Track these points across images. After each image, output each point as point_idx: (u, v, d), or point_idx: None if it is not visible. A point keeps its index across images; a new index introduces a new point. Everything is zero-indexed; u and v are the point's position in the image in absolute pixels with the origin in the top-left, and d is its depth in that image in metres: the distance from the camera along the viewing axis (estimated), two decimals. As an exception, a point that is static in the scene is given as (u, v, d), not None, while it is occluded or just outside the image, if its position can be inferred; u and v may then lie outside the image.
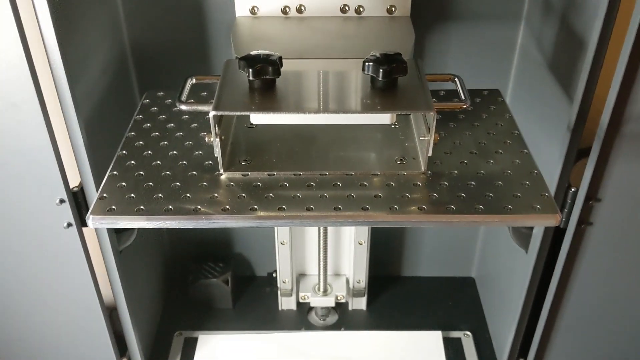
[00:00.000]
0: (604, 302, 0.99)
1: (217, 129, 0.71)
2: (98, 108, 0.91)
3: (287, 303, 1.33)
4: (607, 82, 0.80)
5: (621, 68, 0.74)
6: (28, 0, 0.71)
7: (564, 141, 0.84)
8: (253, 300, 1.36)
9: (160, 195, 0.71)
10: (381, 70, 0.71)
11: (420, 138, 0.75)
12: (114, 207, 0.69)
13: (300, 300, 1.30)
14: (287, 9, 0.92)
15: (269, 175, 0.75)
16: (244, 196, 0.71)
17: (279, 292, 1.30)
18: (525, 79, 1.09)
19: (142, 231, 1.10)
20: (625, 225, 0.90)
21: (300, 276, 1.32)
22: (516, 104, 1.09)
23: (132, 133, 0.82)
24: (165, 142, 0.81)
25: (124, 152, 0.79)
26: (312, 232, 1.23)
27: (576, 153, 0.87)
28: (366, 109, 0.70)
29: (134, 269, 1.13)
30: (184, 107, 0.73)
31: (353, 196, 0.71)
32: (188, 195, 0.71)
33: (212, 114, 0.69)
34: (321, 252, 1.22)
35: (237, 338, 1.25)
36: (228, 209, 0.69)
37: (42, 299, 0.98)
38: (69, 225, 0.86)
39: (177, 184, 0.73)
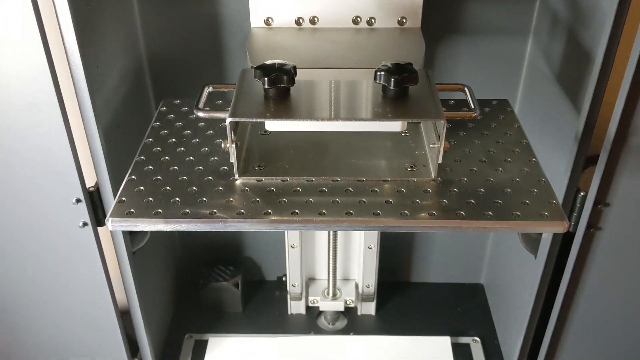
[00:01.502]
0: (613, 308, 1.00)
1: (233, 135, 0.73)
2: (115, 113, 0.93)
3: (296, 307, 1.35)
4: (615, 92, 0.82)
5: (628, 79, 0.76)
6: (51, 8, 0.74)
7: (573, 148, 0.86)
8: (263, 304, 1.37)
9: (177, 199, 0.73)
10: (392, 79, 0.73)
11: (431, 145, 0.77)
12: (132, 210, 0.71)
13: (310, 305, 1.31)
14: (301, 20, 0.94)
15: (282, 180, 0.77)
16: (258, 201, 0.73)
17: (288, 296, 1.32)
18: (534, 91, 1.10)
19: (154, 234, 1.13)
20: (634, 230, 0.91)
21: (310, 280, 1.33)
22: (525, 115, 1.10)
23: (150, 139, 0.85)
24: (182, 149, 0.83)
25: (142, 157, 0.81)
26: (322, 237, 1.25)
27: (585, 160, 0.89)
28: (377, 116, 0.72)
29: (146, 271, 1.16)
30: (201, 114, 0.75)
31: (364, 202, 0.73)
32: (204, 199, 0.73)
33: (228, 120, 0.72)
34: (331, 257, 1.24)
35: (246, 341, 1.27)
36: (243, 212, 0.71)
37: (56, 298, 1.00)
38: (85, 224, 0.88)
39: (194, 188, 0.75)
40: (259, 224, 0.70)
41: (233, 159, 0.75)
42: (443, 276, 1.45)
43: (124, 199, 0.73)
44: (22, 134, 0.81)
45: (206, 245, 1.38)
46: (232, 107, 0.73)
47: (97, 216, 0.89)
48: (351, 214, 0.71)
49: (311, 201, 0.73)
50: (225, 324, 1.33)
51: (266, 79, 0.73)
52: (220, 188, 0.75)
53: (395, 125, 0.74)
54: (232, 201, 0.73)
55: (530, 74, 1.11)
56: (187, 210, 0.71)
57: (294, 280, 1.28)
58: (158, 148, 0.83)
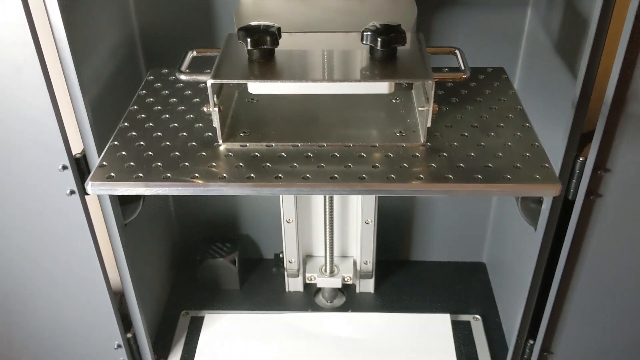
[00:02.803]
0: (615, 280, 0.98)
1: (215, 98, 0.72)
2: (104, 82, 0.91)
3: (294, 284, 1.33)
4: (611, 57, 0.79)
5: (624, 43, 0.74)
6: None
7: (570, 113, 0.83)
8: (260, 282, 1.36)
9: (159, 164, 0.71)
10: (379, 39, 0.71)
11: (419, 109, 0.75)
12: (113, 174, 0.69)
13: (307, 281, 1.30)
14: (291, -12, 0.92)
15: (267, 146, 0.75)
16: (241, 165, 0.71)
17: (285, 273, 1.30)
18: (534, 62, 1.08)
19: (148, 207, 1.12)
20: (635, 197, 0.89)
21: (308, 257, 1.32)
22: (525, 86, 1.08)
23: (135, 107, 0.83)
24: (167, 116, 0.81)
25: (126, 124, 0.80)
26: (318, 212, 1.23)
27: (583, 125, 0.86)
28: (364, 77, 0.70)
29: (140, 246, 1.15)
30: (183, 77, 0.74)
31: (350, 166, 0.71)
32: (187, 164, 0.71)
33: (209, 82, 0.70)
34: (327, 232, 1.22)
35: (242, 318, 1.26)
36: (225, 177, 0.69)
37: (45, 270, 0.99)
38: (72, 192, 0.87)
39: (177, 153, 0.73)
40: (240, 187, 0.69)
41: (216, 123, 0.73)
42: (444, 255, 1.43)
43: (105, 163, 0.72)
44: (6, 99, 0.79)
45: (203, 222, 1.37)
46: (215, 69, 0.71)
47: (85, 184, 0.87)
48: (336, 178, 0.69)
49: (296, 166, 0.71)
50: (222, 301, 1.32)
51: (249, 39, 0.71)
52: (204, 153, 0.74)
53: (382, 87, 0.72)
54: (214, 166, 0.71)
55: (529, 45, 1.08)
56: (169, 174, 0.69)
57: (290, 257, 1.27)
58: (143, 115, 0.81)
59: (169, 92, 0.87)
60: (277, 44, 0.72)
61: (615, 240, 0.94)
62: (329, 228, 1.22)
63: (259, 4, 0.92)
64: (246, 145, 0.75)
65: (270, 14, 0.89)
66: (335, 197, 1.20)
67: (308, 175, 0.70)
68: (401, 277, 1.40)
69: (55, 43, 0.77)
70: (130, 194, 0.70)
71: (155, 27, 1.09)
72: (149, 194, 0.68)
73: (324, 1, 0.91)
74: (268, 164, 0.72)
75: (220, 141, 0.75)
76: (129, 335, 1.11)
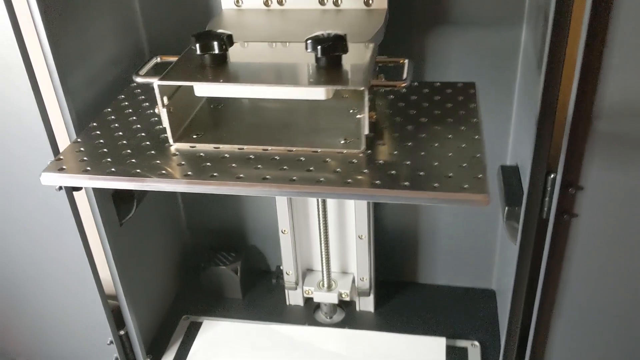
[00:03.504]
0: (597, 302, 0.93)
1: (165, 100, 0.76)
2: (101, 90, 0.98)
3: (294, 298, 1.35)
4: (571, 72, 0.78)
5: (579, 57, 0.73)
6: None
7: (533, 129, 0.82)
8: (263, 293, 1.39)
9: (109, 159, 0.76)
10: (319, 47, 0.73)
11: (357, 116, 0.76)
12: (64, 167, 0.75)
13: (305, 295, 1.31)
14: (270, 2, 0.96)
15: (214, 148, 0.79)
16: (183, 164, 0.75)
17: (285, 285, 1.32)
18: (530, 78, 1.06)
19: (150, 209, 1.18)
20: (613, 218, 0.85)
21: (308, 271, 1.33)
22: (522, 103, 1.06)
23: (109, 109, 0.89)
24: (134, 117, 0.87)
25: (95, 124, 0.86)
26: (314, 225, 1.24)
27: (549, 141, 0.84)
28: (299, 83, 0.72)
29: (142, 248, 1.21)
30: (138, 80, 0.79)
31: (285, 169, 0.73)
32: (134, 160, 0.76)
33: (156, 84, 0.75)
34: (322, 245, 1.23)
35: (238, 327, 1.29)
36: (164, 173, 0.73)
37: (37, 263, 1.06)
38: (60, 188, 0.93)
39: (128, 151, 0.78)
40: (176, 184, 0.72)
41: (165, 123, 0.78)
42: (451, 279, 1.40)
43: (61, 157, 0.78)
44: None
45: (213, 231, 1.42)
46: (165, 73, 0.76)
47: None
48: (267, 179, 0.71)
49: (234, 166, 0.74)
50: (223, 309, 1.35)
51: (198, 44, 0.75)
52: (153, 152, 0.78)
53: (319, 93, 0.74)
54: (159, 163, 0.76)
55: (525, 63, 1.07)
56: (113, 169, 0.74)
57: (287, 268, 1.29)
58: (113, 117, 0.87)
59: (145, 97, 0.92)
60: (224, 49, 0.76)
61: (595, 262, 0.90)
62: (323, 241, 1.23)
63: (238, 16, 0.96)
64: (195, 147, 0.79)
65: (249, 25, 0.93)
66: (330, 211, 1.21)
67: (242, 175, 0.72)
68: (404, 299, 1.38)
69: (42, 51, 0.85)
70: (75, 185, 0.75)
71: (164, 37, 1.15)
72: (93, 186, 0.73)
73: (301, 14, 0.95)
74: (208, 164, 0.75)
75: (172, 141, 0.79)
76: (122, 332, 1.16)
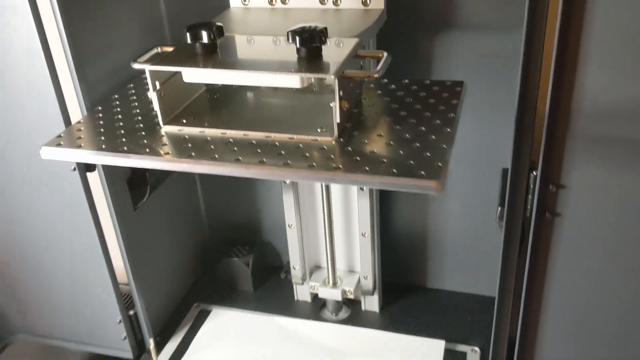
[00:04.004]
0: (584, 303, 0.93)
1: (157, 85, 0.83)
2: (121, 81, 1.06)
3: (302, 294, 1.38)
4: (547, 70, 0.79)
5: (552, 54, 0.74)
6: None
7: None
8: (273, 287, 1.43)
9: (102, 138, 0.83)
10: (298, 38, 0.78)
11: (330, 104, 0.79)
12: (62, 143, 0.83)
13: (311, 291, 1.35)
14: (274, 1, 1.02)
15: (200, 132, 0.84)
16: (166, 144, 0.81)
17: (292, 280, 1.36)
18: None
19: (162, 194, 1.24)
20: (597, 217, 0.85)
21: (316, 267, 1.37)
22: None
23: (116, 95, 0.97)
24: (136, 103, 0.94)
25: (99, 107, 0.93)
26: (321, 221, 1.28)
27: (528, 138, 0.85)
28: (276, 70, 0.77)
29: (157, 235, 1.28)
30: (136, 66, 0.85)
31: (259, 152, 0.78)
32: (123, 139, 0.83)
33: (147, 69, 0.81)
34: (327, 241, 1.27)
35: (245, 316, 1.33)
36: (147, 152, 0.79)
37: (51, 245, 1.14)
38: (74, 169, 1.01)
39: (122, 132, 0.85)
40: (153, 160, 0.78)
41: (156, 107, 0.84)
42: (461, 285, 1.40)
43: (62, 135, 0.85)
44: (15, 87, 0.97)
45: (230, 224, 1.48)
46: (158, 60, 0.82)
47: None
48: (239, 160, 0.76)
49: (212, 148, 0.80)
50: (234, 299, 1.40)
51: (188, 34, 0.81)
52: (143, 133, 0.84)
53: (294, 81, 0.78)
54: (145, 142, 0.82)
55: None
56: (104, 146, 0.81)
57: (294, 263, 1.32)
58: (117, 102, 0.95)
59: (150, 87, 0.99)
60: (213, 39, 0.81)
61: (580, 262, 0.90)
62: (328, 238, 1.26)
63: (245, 13, 1.02)
64: (182, 130, 0.85)
65: (252, 21, 0.99)
66: (336, 207, 1.25)
67: (216, 156, 0.77)
68: (411, 302, 1.39)
69: (62, 46, 0.94)
70: (68, 160, 0.82)
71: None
72: (82, 161, 0.80)
73: (302, 12, 1.00)
74: (189, 145, 0.81)
75: (162, 124, 0.85)
76: (131, 312, 1.23)
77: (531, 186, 0.87)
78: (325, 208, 1.23)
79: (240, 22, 0.98)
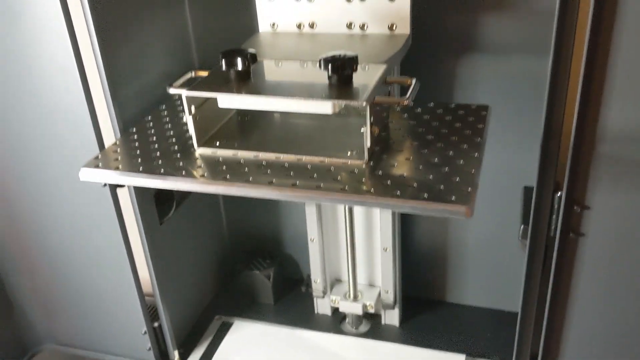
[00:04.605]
0: (606, 324, 0.95)
1: (192, 109, 0.86)
2: (151, 101, 1.09)
3: (322, 307, 1.41)
4: (574, 92, 0.81)
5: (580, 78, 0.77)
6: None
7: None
8: (293, 300, 1.45)
9: (139, 160, 0.86)
10: (330, 66, 0.81)
11: (361, 130, 0.82)
12: (100, 164, 0.86)
13: (332, 305, 1.37)
14: (302, 26, 1.05)
15: (233, 154, 0.87)
16: (201, 166, 0.84)
17: (313, 293, 1.38)
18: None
19: (186, 208, 1.27)
20: (621, 238, 0.87)
21: (336, 281, 1.39)
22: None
23: (149, 117, 1.00)
24: (169, 125, 0.97)
25: (134, 129, 0.96)
26: (342, 235, 1.30)
27: (554, 159, 0.88)
28: (309, 97, 0.80)
29: (181, 249, 1.30)
30: (171, 91, 0.89)
31: (291, 175, 0.81)
32: (159, 162, 0.85)
33: (184, 94, 0.84)
34: (349, 255, 1.29)
35: (266, 329, 1.36)
36: (183, 174, 0.82)
37: (80, 257, 1.18)
38: (105, 185, 1.04)
39: (158, 153, 0.88)
40: (191, 183, 0.81)
41: (191, 130, 0.87)
42: (481, 300, 1.42)
43: (99, 156, 0.88)
44: (50, 105, 1.01)
45: (252, 237, 1.50)
46: (193, 85, 0.85)
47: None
48: (272, 183, 0.79)
49: (246, 171, 0.82)
50: (255, 312, 1.43)
51: (224, 61, 0.84)
52: (178, 155, 0.87)
53: (326, 107, 0.81)
54: (181, 165, 0.85)
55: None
56: (140, 168, 0.84)
57: (315, 276, 1.35)
58: (151, 124, 0.98)
59: (182, 108, 1.02)
60: (247, 66, 0.84)
61: (603, 282, 0.91)
62: (350, 251, 1.29)
63: (273, 37, 1.05)
64: (216, 152, 0.87)
65: (281, 46, 1.02)
66: (358, 222, 1.27)
67: (250, 179, 0.80)
68: (431, 316, 1.40)
69: (97, 67, 0.97)
70: (106, 181, 0.85)
71: (214, 56, 1.25)
72: (121, 183, 0.83)
73: (329, 37, 1.03)
74: (224, 167, 0.83)
75: (196, 146, 0.88)
76: (156, 324, 1.26)
77: (555, 206, 0.90)
78: (347, 222, 1.25)
79: (270, 46, 1.01)
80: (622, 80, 0.78)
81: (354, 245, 1.28)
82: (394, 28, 1.00)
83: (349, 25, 1.02)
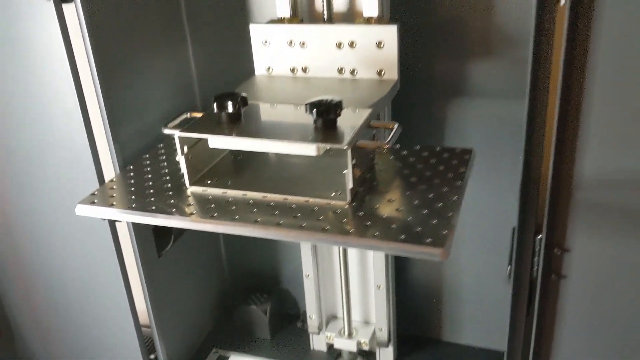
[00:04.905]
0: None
1: (185, 149, 0.90)
2: (152, 139, 1.13)
3: (318, 343, 1.42)
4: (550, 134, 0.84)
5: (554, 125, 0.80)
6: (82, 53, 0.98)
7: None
8: (289, 336, 1.47)
9: (133, 197, 0.90)
10: (314, 110, 0.84)
11: (343, 172, 0.85)
12: (95, 201, 0.90)
13: (327, 341, 1.38)
14: (295, 70, 1.09)
15: (222, 193, 0.90)
16: (191, 204, 0.87)
17: (309, 329, 1.40)
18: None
19: (185, 242, 1.31)
20: (601, 280, 0.89)
21: (332, 317, 1.41)
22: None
23: (147, 155, 1.04)
24: (165, 164, 1.01)
25: (131, 167, 1.00)
26: (337, 271, 1.32)
27: (534, 202, 0.90)
28: (293, 140, 0.83)
29: (180, 283, 1.34)
30: (166, 131, 0.93)
31: (276, 214, 0.84)
32: (152, 199, 0.89)
33: (176, 135, 0.88)
34: (344, 292, 1.31)
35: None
36: (174, 211, 0.86)
37: (79, 287, 1.21)
38: (104, 219, 1.08)
39: (151, 191, 0.92)
40: (180, 220, 0.84)
41: (183, 169, 0.91)
42: (475, 339, 1.42)
43: (95, 193, 0.92)
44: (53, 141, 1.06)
45: (250, 272, 1.53)
46: (187, 126, 0.89)
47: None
48: (258, 222, 0.82)
49: (234, 209, 0.86)
50: (251, 346, 1.45)
51: (215, 104, 0.88)
52: (170, 193, 0.91)
53: (310, 149, 0.84)
54: (172, 202, 0.88)
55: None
56: (133, 205, 0.88)
57: (310, 312, 1.37)
58: (147, 162, 1.02)
59: (179, 147, 1.06)
60: (238, 109, 0.88)
61: (586, 322, 0.93)
62: (344, 288, 1.31)
63: (269, 80, 1.10)
64: (206, 190, 0.91)
65: (275, 89, 1.06)
66: (352, 259, 1.30)
67: (237, 217, 0.83)
68: (425, 354, 1.41)
69: (99, 107, 1.02)
70: (101, 217, 0.89)
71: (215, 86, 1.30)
72: (115, 219, 0.87)
73: (321, 81, 1.07)
74: (213, 205, 0.87)
75: (188, 185, 0.92)
76: (152, 356, 1.28)
77: (537, 248, 0.92)
78: (341, 259, 1.27)
79: (264, 89, 1.05)
80: (596, 129, 0.81)
81: (348, 282, 1.30)
82: (382, 74, 1.04)
83: (340, 70, 1.07)
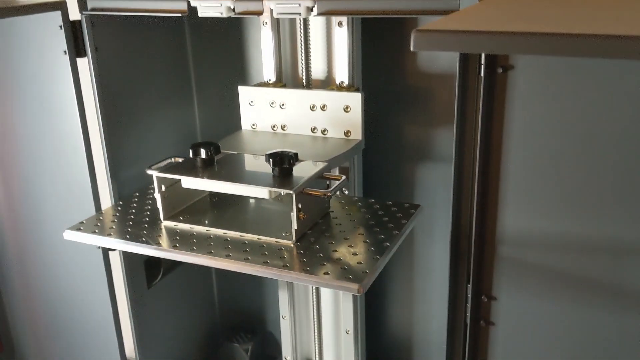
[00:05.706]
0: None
1: (162, 188, 1.04)
2: (146, 184, 1.28)
3: (294, 384, 1.51)
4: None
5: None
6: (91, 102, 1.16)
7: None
8: (270, 376, 1.56)
9: (113, 227, 1.05)
10: (271, 160, 0.98)
11: (291, 214, 0.97)
12: (81, 228, 1.05)
13: (301, 382, 1.47)
14: (275, 127, 1.24)
15: (190, 228, 1.04)
16: (160, 236, 1.01)
17: (286, 370, 1.49)
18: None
19: (177, 277, 1.43)
20: (527, 327, 0.96)
21: (307, 360, 1.49)
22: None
23: (137, 194, 1.19)
24: (150, 201, 1.15)
25: (120, 202, 1.15)
26: (312, 316, 1.42)
27: (460, 252, 0.99)
28: (250, 184, 0.97)
29: (167, 315, 1.46)
30: (148, 172, 1.08)
31: (230, 247, 0.96)
32: (129, 229, 1.03)
33: (155, 175, 1.03)
34: (316, 337, 1.40)
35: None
36: (143, 240, 0.99)
37: (69, 313, 1.35)
38: (99, 247, 1.23)
39: (130, 223, 1.06)
40: (145, 248, 0.98)
41: (159, 205, 1.05)
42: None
43: (83, 221, 1.07)
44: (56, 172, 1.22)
45: (241, 312, 1.64)
46: (165, 168, 1.04)
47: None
48: (211, 253, 0.95)
49: (194, 241, 0.99)
50: (233, 384, 1.54)
51: (190, 150, 1.03)
52: (146, 225, 1.05)
53: (263, 193, 0.97)
54: (145, 233, 1.02)
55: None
56: (111, 233, 1.02)
57: (286, 353, 1.46)
58: (136, 199, 1.17)
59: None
60: (211, 156, 1.03)
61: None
62: (317, 332, 1.40)
63: (252, 135, 1.25)
64: (177, 225, 1.05)
65: (255, 142, 1.21)
66: (324, 302, 1.39)
67: (195, 248, 0.96)
68: (394, 403, 1.47)
69: (103, 153, 1.19)
70: (81, 241, 1.03)
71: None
72: (96, 244, 1.01)
73: (297, 137, 1.21)
74: (177, 237, 1.00)
75: (162, 219, 1.06)
76: (133, 381, 1.40)
77: (468, 295, 1.00)
78: (314, 303, 1.37)
79: (247, 142, 1.20)
80: (513, 192, 0.90)
81: (320, 325, 1.40)
82: (349, 134, 1.17)
83: (313, 129, 1.21)
